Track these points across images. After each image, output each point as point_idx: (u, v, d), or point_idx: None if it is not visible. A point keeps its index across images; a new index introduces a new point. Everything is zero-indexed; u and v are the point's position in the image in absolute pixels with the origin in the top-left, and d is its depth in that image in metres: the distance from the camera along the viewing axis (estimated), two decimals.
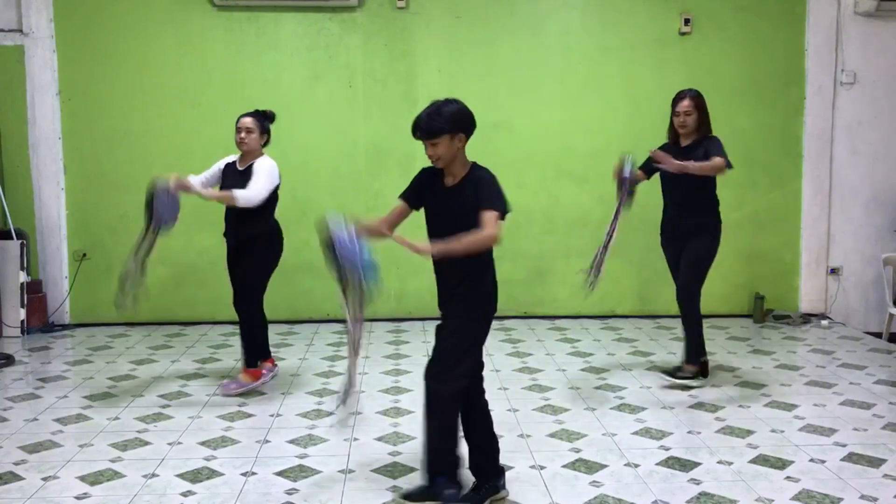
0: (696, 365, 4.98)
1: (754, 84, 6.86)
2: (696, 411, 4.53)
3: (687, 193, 4.91)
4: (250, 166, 4.79)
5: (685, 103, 4.88)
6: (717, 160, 4.68)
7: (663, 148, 4.95)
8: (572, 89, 6.83)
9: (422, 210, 3.38)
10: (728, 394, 4.86)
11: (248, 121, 4.81)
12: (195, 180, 4.86)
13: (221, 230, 6.75)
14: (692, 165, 4.68)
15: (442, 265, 3.32)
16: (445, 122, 3.20)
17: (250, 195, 4.65)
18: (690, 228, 4.95)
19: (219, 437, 4.13)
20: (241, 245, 4.90)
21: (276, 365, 5.18)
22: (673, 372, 5.03)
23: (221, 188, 4.85)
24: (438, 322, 3.35)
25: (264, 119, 4.90)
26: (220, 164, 4.97)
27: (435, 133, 3.20)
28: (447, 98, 3.31)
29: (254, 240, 4.88)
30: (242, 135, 4.78)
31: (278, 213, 5.35)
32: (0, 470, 3.71)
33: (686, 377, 4.96)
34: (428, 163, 3.33)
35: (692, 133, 4.91)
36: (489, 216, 3.13)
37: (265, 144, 4.92)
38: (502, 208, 3.21)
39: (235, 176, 4.83)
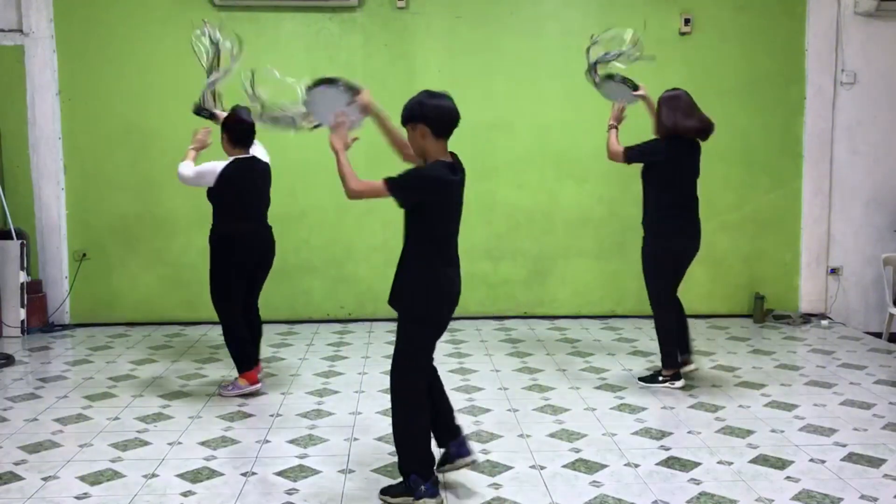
0: (670, 368, 4.99)
1: (754, 84, 6.86)
2: (696, 411, 4.54)
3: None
4: None
5: None
6: (619, 146, 5.03)
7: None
8: (572, 89, 6.82)
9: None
10: (728, 394, 4.86)
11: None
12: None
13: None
14: (611, 134, 5.15)
15: (399, 261, 3.39)
16: (406, 111, 3.32)
17: (179, 168, 4.84)
18: (642, 223, 5.05)
19: (219, 437, 4.13)
20: (270, 247, 5.02)
21: (258, 382, 4.87)
22: (653, 377, 5.07)
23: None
24: None
25: (225, 122, 4.88)
26: None
27: (402, 120, 3.37)
28: (436, 91, 3.36)
29: (209, 243, 4.92)
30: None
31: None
32: (0, 470, 3.71)
33: (663, 381, 4.99)
34: None
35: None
36: (379, 181, 3.26)
37: (232, 143, 4.83)
38: (393, 186, 3.24)
39: None
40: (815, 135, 6.92)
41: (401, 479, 3.41)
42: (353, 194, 3.32)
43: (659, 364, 5.18)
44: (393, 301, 3.37)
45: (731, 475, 3.64)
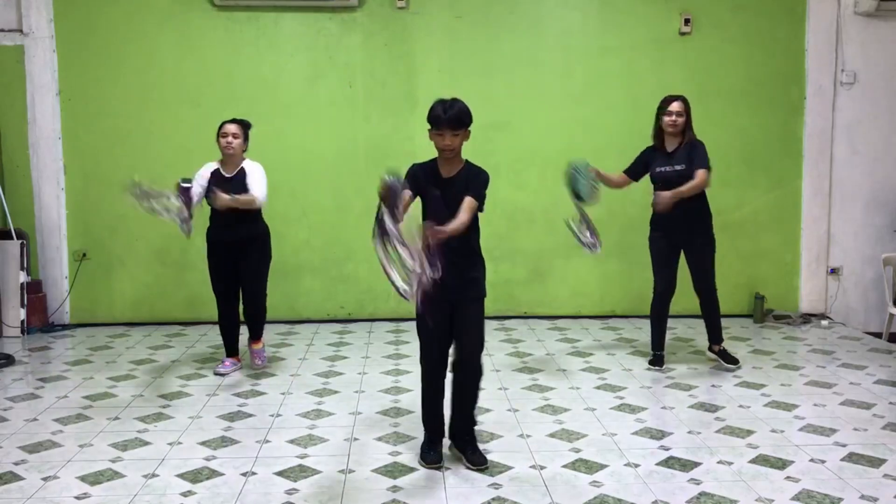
0: (653, 352, 5.49)
1: (754, 84, 6.86)
2: (696, 411, 4.53)
3: None
4: (241, 171, 5.10)
5: (677, 104, 5.22)
6: (701, 174, 5.07)
7: (649, 151, 5.39)
8: (572, 89, 6.83)
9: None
10: (728, 394, 4.86)
11: (233, 127, 5.09)
12: (196, 190, 4.99)
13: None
14: (684, 190, 5.05)
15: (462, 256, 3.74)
16: (467, 117, 3.62)
17: (263, 196, 5.06)
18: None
19: (219, 437, 4.13)
20: (241, 244, 5.15)
21: (234, 363, 5.42)
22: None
23: (209, 194, 5.04)
24: None
25: (246, 127, 5.18)
26: (203, 175, 5.14)
27: (461, 125, 3.62)
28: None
29: (257, 239, 5.19)
30: (229, 139, 5.05)
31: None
32: (0, 470, 3.71)
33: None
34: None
35: (678, 135, 5.24)
36: (470, 205, 3.63)
37: (245, 150, 5.19)
38: (481, 202, 3.68)
39: (224, 182, 5.06)
40: (815, 135, 6.92)
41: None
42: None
43: (665, 357, 5.56)
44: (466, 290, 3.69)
45: (731, 475, 3.64)
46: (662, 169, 5.22)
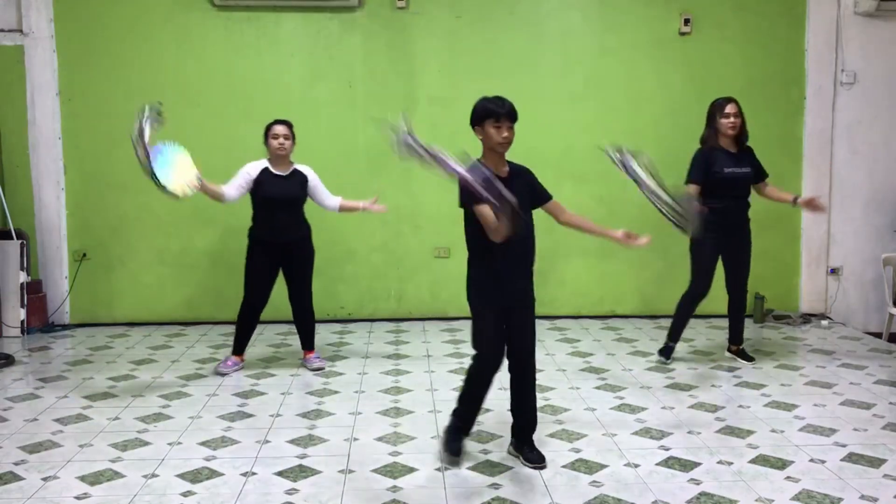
0: (667, 342, 5.53)
1: (754, 84, 6.85)
2: (696, 411, 4.53)
3: None
4: (296, 171, 5.25)
5: (732, 106, 5.19)
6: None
7: (707, 153, 5.23)
8: (572, 89, 6.82)
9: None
10: (728, 394, 4.86)
11: (283, 128, 5.20)
12: (232, 190, 5.12)
13: (219, 230, 6.73)
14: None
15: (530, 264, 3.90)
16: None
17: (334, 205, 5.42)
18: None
19: (219, 437, 4.13)
20: (291, 246, 5.24)
21: (235, 363, 5.42)
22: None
23: (263, 194, 5.15)
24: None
25: (291, 127, 5.29)
26: (250, 172, 5.18)
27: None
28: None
29: (306, 239, 5.33)
30: (281, 140, 5.16)
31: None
32: (0, 470, 3.71)
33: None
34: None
35: (736, 137, 5.22)
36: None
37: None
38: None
39: (280, 181, 5.19)
40: (815, 135, 6.92)
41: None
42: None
43: (657, 362, 5.51)
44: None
45: (731, 475, 3.64)
46: (733, 170, 5.19)
